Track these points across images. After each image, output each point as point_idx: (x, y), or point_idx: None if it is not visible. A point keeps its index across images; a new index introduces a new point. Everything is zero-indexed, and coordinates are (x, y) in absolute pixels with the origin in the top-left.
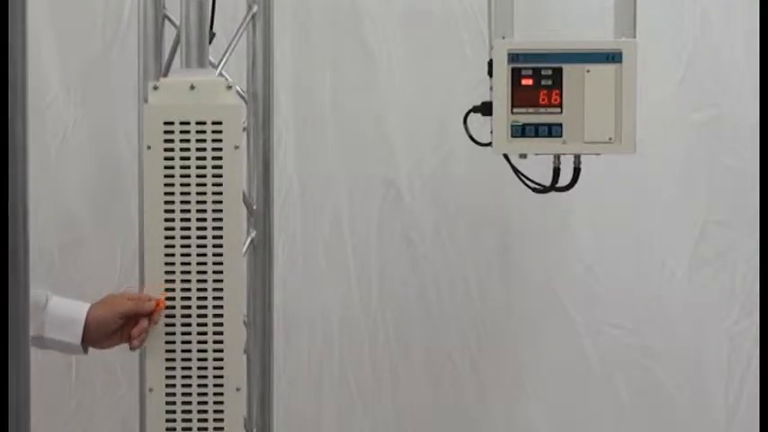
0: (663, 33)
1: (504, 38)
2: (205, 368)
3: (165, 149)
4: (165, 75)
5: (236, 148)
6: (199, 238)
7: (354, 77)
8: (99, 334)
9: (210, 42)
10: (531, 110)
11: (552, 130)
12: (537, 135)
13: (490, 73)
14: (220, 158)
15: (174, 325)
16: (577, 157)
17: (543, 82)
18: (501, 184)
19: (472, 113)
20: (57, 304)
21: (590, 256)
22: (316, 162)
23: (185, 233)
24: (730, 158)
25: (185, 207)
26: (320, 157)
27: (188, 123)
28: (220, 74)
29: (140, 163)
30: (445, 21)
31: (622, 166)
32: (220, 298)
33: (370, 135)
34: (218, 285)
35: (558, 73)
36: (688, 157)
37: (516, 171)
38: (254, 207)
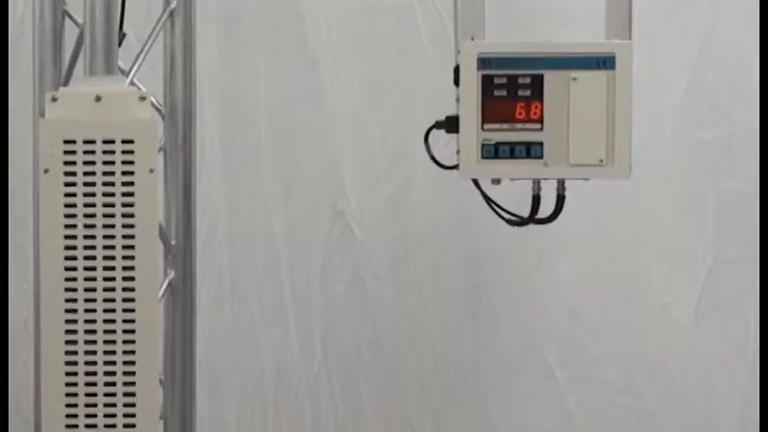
0: (664, 34)
1: (473, 39)
2: None
3: (66, 173)
4: (66, 83)
5: (151, 171)
6: (106, 280)
7: (294, 86)
8: None
9: (120, 44)
10: (505, 126)
11: (531, 151)
12: (513, 156)
13: (456, 81)
14: (132, 184)
15: (76, 384)
16: (561, 183)
17: (520, 92)
18: (470, 214)
19: (435, 130)
20: None
21: (575, 299)
22: (247, 187)
23: (89, 274)
24: (743, 183)
25: (89, 243)
26: (253, 180)
27: (93, 142)
28: (132, 82)
29: (35, 189)
30: (403, 19)
31: (615, 193)
32: (132, 352)
33: (314, 155)
34: (128, 337)
35: (538, 81)
36: (693, 182)
37: (488, 200)
38: (173, 242)
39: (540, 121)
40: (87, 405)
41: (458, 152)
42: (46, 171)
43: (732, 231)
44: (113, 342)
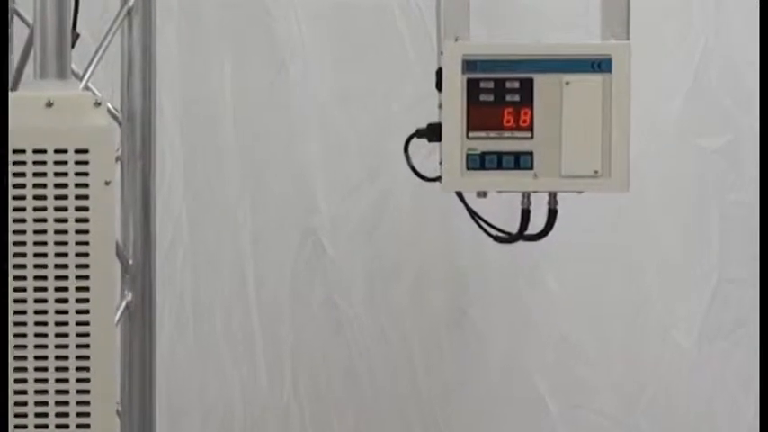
0: (664, 34)
1: (457, 40)
2: None
3: (15, 186)
4: (15, 88)
5: (107, 183)
6: (58, 302)
7: (261, 90)
8: None
9: (74, 46)
10: (492, 134)
11: (520, 161)
12: (500, 167)
13: (439, 86)
14: (86, 198)
15: (26, 416)
16: (553, 196)
17: (508, 97)
18: (453, 231)
19: (415, 138)
20: None
21: (568, 322)
22: (212, 200)
23: (40, 295)
24: (749, 196)
25: (40, 261)
26: (217, 193)
27: (44, 152)
28: (86, 87)
29: None
30: (380, 17)
31: (611, 208)
32: (86, 380)
33: (283, 165)
34: (83, 364)
35: (527, 86)
36: (696, 195)
37: (473, 214)
38: (131, 261)
39: (530, 128)
40: None
41: (440, 163)
42: None
43: (738, 249)
44: (66, 369)
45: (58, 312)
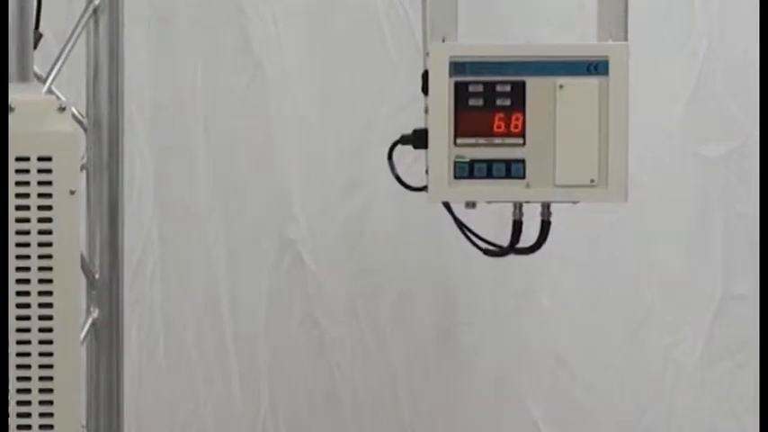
0: (665, 34)
1: (444, 40)
2: None
3: None
4: None
5: (72, 193)
6: (20, 319)
7: (236, 94)
8: None
9: (36, 47)
10: (482, 141)
11: (512, 170)
12: (490, 176)
13: (425, 89)
14: (50, 208)
15: None
16: (546, 207)
17: (499, 102)
18: (440, 244)
19: (400, 145)
20: None
21: (563, 343)
22: (183, 211)
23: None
24: (756, 207)
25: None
26: (190, 204)
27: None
28: (50, 90)
29: None
30: (362, 17)
31: (609, 219)
32: (49, 402)
33: (259, 174)
34: (46, 385)
35: (519, 89)
36: (699, 205)
37: (461, 226)
38: (97, 276)
39: (522, 135)
40: None
41: (426, 171)
42: None
43: (744, 263)
44: (28, 391)
45: (19, 331)
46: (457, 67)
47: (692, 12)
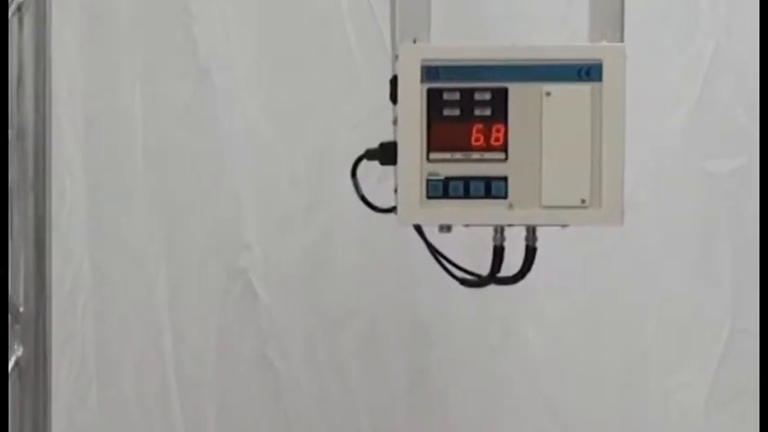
0: (666, 35)
1: (415, 41)
2: None
3: None
4: None
5: None
6: None
7: (179, 103)
8: None
9: None
10: (458, 155)
11: (492, 188)
12: (468, 195)
13: (393, 97)
14: None
15: None
16: (532, 231)
17: (478, 111)
18: (412, 272)
19: (365, 161)
20: None
21: (551, 385)
22: (120, 238)
23: None
24: None
25: None
26: (127, 230)
27: None
28: None
29: None
30: (322, 15)
31: (602, 245)
32: None
33: (206, 195)
34: None
35: (500, 97)
36: (705, 228)
37: (435, 252)
38: (22, 309)
39: (504, 149)
40: None
41: (395, 190)
42: None
43: (754, 293)
44: None
45: None
46: (430, 71)
47: (696, 9)
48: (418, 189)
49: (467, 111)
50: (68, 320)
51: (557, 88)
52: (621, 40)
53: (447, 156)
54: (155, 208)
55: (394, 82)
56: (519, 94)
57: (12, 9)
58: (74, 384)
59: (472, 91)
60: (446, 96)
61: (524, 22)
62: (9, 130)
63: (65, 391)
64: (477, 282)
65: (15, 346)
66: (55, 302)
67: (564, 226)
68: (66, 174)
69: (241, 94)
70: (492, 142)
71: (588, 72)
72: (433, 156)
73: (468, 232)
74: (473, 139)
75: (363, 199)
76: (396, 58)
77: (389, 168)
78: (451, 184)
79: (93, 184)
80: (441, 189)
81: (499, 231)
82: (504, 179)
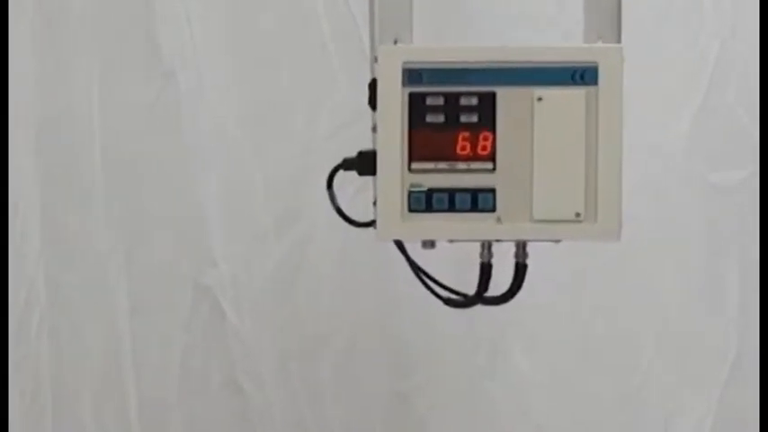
0: (667, 35)
1: (396, 42)
2: None
3: None
4: None
5: None
6: None
7: (141, 108)
8: None
9: None
10: (442, 165)
11: (479, 201)
12: (452, 209)
13: (372, 102)
14: None
15: None
16: (522, 247)
17: (463, 118)
18: (392, 291)
19: (342, 171)
20: None
21: (542, 412)
22: (76, 252)
23: None
24: None
25: None
26: (84, 243)
27: None
28: None
29: None
30: (296, 14)
31: (598, 262)
32: None
33: (169, 207)
34: None
35: (488, 102)
36: (709, 246)
37: (417, 270)
38: None
39: (492, 158)
40: None
41: (374, 203)
42: None
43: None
44: None
45: None
46: (412, 74)
47: (699, 7)
48: (399, 201)
49: (452, 117)
50: (21, 341)
51: (549, 93)
52: (619, 41)
53: (430, 166)
54: (114, 220)
55: (373, 86)
56: (508, 98)
57: None
58: (26, 412)
59: (458, 95)
60: (429, 101)
61: (513, 21)
62: None
63: (18, 421)
64: (464, 302)
65: None
66: (11, 321)
67: (557, 241)
68: (19, 182)
69: (208, 99)
70: (479, 151)
71: (583, 75)
72: (415, 166)
73: (454, 248)
74: (458, 147)
75: (340, 212)
76: (375, 59)
77: (368, 179)
78: (435, 196)
79: (48, 194)
80: (423, 202)
81: (487, 247)
82: (492, 191)
